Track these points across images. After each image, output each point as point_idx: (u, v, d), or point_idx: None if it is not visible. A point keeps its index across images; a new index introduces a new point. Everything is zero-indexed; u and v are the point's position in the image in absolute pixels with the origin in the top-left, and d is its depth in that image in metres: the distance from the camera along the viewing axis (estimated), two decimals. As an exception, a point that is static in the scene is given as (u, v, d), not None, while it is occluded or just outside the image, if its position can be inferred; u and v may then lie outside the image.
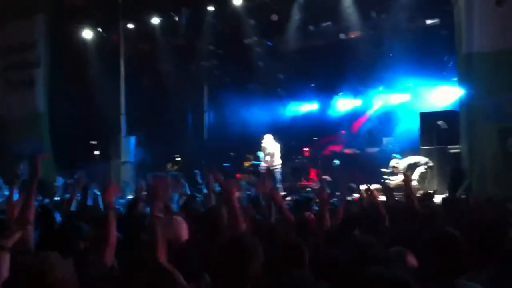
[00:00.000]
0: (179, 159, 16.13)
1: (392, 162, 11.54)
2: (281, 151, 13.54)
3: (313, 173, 14.98)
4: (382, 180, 11.01)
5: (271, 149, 13.39)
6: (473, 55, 10.74)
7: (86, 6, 15.70)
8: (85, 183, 6.74)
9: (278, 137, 13.86)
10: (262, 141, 13.63)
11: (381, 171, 11.68)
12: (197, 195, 8.83)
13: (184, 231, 4.01)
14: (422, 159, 11.25)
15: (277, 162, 13.36)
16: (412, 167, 11.15)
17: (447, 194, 9.45)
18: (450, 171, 10.63)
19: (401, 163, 11.43)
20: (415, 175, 11.00)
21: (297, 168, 15.26)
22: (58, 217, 6.14)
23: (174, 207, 6.77)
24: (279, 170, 13.33)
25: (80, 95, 15.25)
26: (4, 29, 16.63)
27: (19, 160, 13.13)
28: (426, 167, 11.02)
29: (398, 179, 10.60)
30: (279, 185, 12.81)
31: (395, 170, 11.26)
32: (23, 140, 16.01)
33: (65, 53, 15.43)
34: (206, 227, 4.04)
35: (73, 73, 15.37)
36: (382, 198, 7.35)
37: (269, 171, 12.50)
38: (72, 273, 2.64)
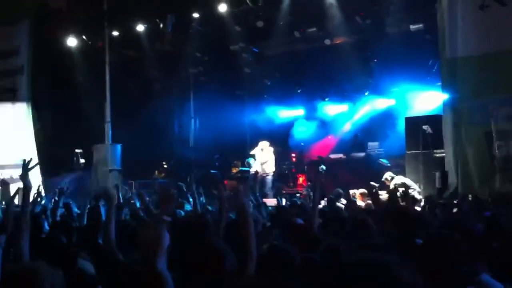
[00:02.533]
0: (166, 166, 16.06)
1: (386, 175, 11.41)
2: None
3: (301, 179, 15.01)
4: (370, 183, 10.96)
5: (266, 156, 13.40)
6: (457, 60, 10.87)
7: (70, 13, 15.59)
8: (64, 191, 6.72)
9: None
10: (256, 147, 13.61)
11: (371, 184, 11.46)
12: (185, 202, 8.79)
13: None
14: (413, 185, 10.99)
15: (270, 169, 13.38)
16: (401, 186, 11.00)
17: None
18: (436, 175, 10.68)
19: (394, 180, 11.21)
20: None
21: (285, 174, 15.29)
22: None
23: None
24: (271, 177, 13.34)
25: (65, 102, 15.11)
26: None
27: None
28: (413, 191, 10.82)
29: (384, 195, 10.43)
30: (269, 192, 12.82)
31: (386, 183, 11.15)
32: (7, 148, 15.84)
33: (49, 60, 15.30)
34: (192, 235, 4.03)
35: (58, 81, 15.24)
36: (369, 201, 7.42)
37: (251, 180, 12.48)
38: (62, 283, 2.60)
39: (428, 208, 7.29)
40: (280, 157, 15.59)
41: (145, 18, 15.44)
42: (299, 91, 16.56)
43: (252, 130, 16.54)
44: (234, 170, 15.44)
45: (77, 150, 15.53)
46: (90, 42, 16.22)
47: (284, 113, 17.06)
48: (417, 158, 11.50)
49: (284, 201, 9.27)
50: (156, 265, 2.82)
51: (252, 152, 13.60)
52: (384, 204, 6.89)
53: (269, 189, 13.02)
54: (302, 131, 16.52)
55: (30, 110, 15.69)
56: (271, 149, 13.55)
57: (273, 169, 13.44)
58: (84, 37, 16.13)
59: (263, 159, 13.34)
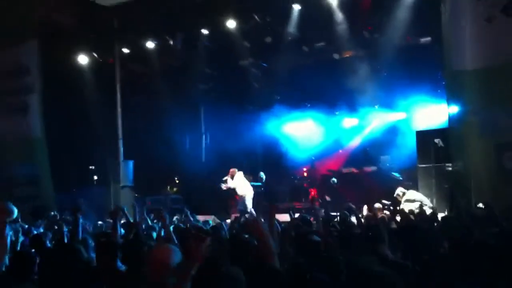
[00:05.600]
0: (178, 181, 16.14)
1: (398, 191, 11.33)
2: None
3: (313, 193, 15.01)
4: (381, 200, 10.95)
5: (235, 183, 13.74)
6: (464, 72, 10.84)
7: (80, 31, 15.78)
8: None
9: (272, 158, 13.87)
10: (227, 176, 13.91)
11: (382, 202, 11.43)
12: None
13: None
14: (425, 200, 10.94)
15: (245, 192, 13.61)
16: (412, 201, 10.96)
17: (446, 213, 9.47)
18: (448, 189, 10.63)
19: (406, 195, 11.19)
20: (412, 207, 10.83)
21: (296, 189, 15.30)
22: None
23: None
24: (247, 197, 13.56)
25: (77, 120, 15.25)
26: (-1, 55, 16.69)
27: None
28: (424, 206, 10.78)
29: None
30: (249, 210, 13.15)
31: (398, 198, 11.13)
32: (19, 165, 16.00)
33: (60, 78, 15.44)
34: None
35: (69, 98, 15.39)
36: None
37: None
38: None
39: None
40: (292, 172, 15.66)
41: (154, 34, 15.58)
42: (308, 105, 16.60)
43: (262, 144, 16.60)
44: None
45: (90, 167, 15.67)
46: (100, 60, 16.39)
47: (293, 127, 17.10)
48: (429, 172, 11.46)
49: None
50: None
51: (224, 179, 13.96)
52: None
53: (247, 207, 13.35)
54: (313, 145, 16.52)
55: (42, 128, 15.88)
56: (240, 174, 13.84)
57: (249, 190, 13.70)
58: (94, 54, 16.31)
59: (233, 185, 13.73)
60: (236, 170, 13.88)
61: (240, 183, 13.69)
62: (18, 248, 6.16)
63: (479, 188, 10.39)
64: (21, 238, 7.02)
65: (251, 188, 13.69)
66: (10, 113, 16.60)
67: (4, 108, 16.75)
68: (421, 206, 9.96)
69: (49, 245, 6.37)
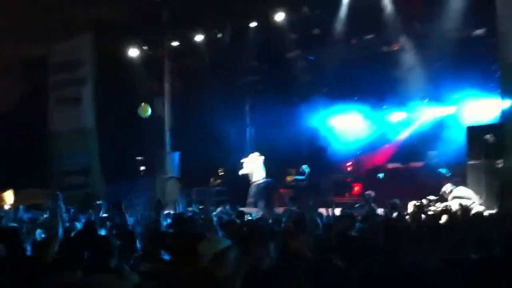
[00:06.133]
0: (222, 173, 16.27)
1: (445, 188, 11.00)
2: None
3: (356, 188, 14.81)
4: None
5: (251, 166, 14.33)
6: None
7: (131, 24, 16.13)
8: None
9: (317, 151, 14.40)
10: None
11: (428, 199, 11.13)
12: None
13: None
14: (473, 197, 10.53)
15: (256, 178, 14.29)
16: (460, 198, 10.61)
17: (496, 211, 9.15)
18: (498, 187, 10.24)
19: (454, 192, 10.86)
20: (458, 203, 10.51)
21: (340, 183, 15.12)
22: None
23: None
24: (257, 184, 14.20)
25: (126, 111, 15.60)
26: (54, 48, 17.30)
27: None
28: (472, 203, 10.42)
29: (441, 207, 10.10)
30: (251, 199, 13.60)
31: (445, 195, 10.82)
32: (72, 155, 16.55)
33: (112, 70, 15.83)
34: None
35: (120, 90, 15.76)
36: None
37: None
38: None
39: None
40: (335, 166, 15.53)
41: (203, 28, 15.74)
42: (356, 98, 16.36)
43: (307, 138, 16.49)
44: (289, 178, 15.44)
45: (137, 158, 16.02)
46: (150, 53, 16.69)
47: (340, 121, 16.89)
48: (479, 168, 11.04)
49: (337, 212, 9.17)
50: None
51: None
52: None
53: (252, 197, 13.76)
54: (359, 139, 16.27)
55: (94, 119, 16.35)
56: (258, 158, 14.42)
57: (261, 176, 14.32)
58: (145, 47, 16.62)
59: (249, 168, 14.36)
60: (254, 153, 14.40)
61: (258, 165, 14.05)
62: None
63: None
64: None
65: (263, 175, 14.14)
66: (64, 104, 17.22)
67: (58, 99, 17.37)
68: (466, 204, 9.64)
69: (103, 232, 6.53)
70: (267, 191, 14.23)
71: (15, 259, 4.22)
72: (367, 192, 12.37)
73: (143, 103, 15.10)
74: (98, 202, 9.82)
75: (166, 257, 4.55)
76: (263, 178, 14.34)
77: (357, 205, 11.88)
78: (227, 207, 10.90)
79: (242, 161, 14.65)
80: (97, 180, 16.03)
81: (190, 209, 10.34)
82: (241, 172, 14.57)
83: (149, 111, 15.10)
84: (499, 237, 5.00)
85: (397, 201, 10.13)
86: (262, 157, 14.51)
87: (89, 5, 16.04)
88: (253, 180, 14.35)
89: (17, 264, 4.01)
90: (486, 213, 8.63)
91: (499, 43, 10.86)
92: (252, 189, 14.15)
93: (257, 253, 3.92)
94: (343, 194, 14.60)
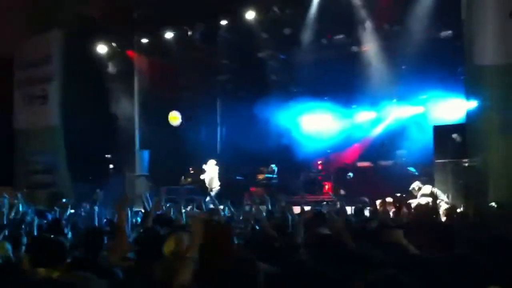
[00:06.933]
0: (193, 172, 16.18)
1: (414, 185, 11.21)
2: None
3: (327, 187, 14.94)
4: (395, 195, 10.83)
5: (210, 174, 14.52)
6: (485, 67, 10.63)
7: (101, 21, 15.89)
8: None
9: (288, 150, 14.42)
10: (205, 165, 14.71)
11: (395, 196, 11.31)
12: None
13: None
14: (441, 195, 10.71)
15: (215, 184, 14.48)
16: (429, 196, 10.81)
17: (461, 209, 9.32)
18: (464, 185, 10.48)
19: (422, 190, 11.07)
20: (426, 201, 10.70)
21: (311, 181, 15.23)
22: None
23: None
24: (214, 192, 14.25)
25: (94, 109, 15.38)
26: (20, 44, 16.93)
27: None
28: (441, 201, 10.61)
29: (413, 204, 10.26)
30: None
31: (414, 193, 11.01)
32: (39, 153, 16.23)
33: (79, 67, 15.58)
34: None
35: (87, 88, 15.52)
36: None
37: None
38: None
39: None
40: (306, 165, 15.60)
41: (173, 25, 15.61)
42: (325, 98, 16.50)
43: (278, 137, 16.55)
44: (260, 177, 15.46)
45: (106, 156, 15.80)
46: (119, 50, 16.48)
47: (310, 120, 17.00)
48: (446, 167, 11.29)
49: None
50: None
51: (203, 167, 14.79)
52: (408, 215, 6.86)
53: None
54: (329, 138, 16.41)
55: (61, 117, 16.06)
56: (215, 166, 14.66)
57: (217, 183, 14.56)
58: (114, 44, 16.40)
59: (208, 175, 14.58)
60: (211, 160, 14.51)
61: (215, 173, 14.35)
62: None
63: (497, 186, 10.23)
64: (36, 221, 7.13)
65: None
66: (30, 102, 16.86)
67: (24, 96, 17.02)
68: (434, 201, 9.82)
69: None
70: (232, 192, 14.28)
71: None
72: (340, 191, 12.46)
73: (172, 112, 15.04)
74: (64, 201, 9.64)
75: (131, 255, 4.50)
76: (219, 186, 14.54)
77: (324, 203, 11.97)
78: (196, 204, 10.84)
79: (203, 167, 14.79)
80: (64, 178, 15.75)
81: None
82: (202, 177, 14.70)
83: (179, 119, 15.04)
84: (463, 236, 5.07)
85: (365, 199, 10.25)
86: (217, 166, 14.78)
87: (57, 1, 15.78)
88: (212, 186, 14.50)
89: None
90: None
91: (465, 45, 11.10)
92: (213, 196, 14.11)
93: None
94: (314, 192, 14.70)
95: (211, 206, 12.98)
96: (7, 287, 3.08)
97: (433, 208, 8.67)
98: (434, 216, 7.33)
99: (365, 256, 3.83)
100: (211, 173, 14.60)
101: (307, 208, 8.75)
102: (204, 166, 14.74)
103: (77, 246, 4.81)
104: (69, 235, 6.09)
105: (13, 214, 7.64)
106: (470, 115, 10.90)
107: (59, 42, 16.25)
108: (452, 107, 13.88)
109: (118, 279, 3.78)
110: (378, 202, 9.61)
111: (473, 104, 10.82)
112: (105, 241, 5.20)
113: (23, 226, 6.98)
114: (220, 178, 14.69)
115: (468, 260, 3.14)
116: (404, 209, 7.61)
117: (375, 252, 4.04)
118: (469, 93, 11.08)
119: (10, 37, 16.70)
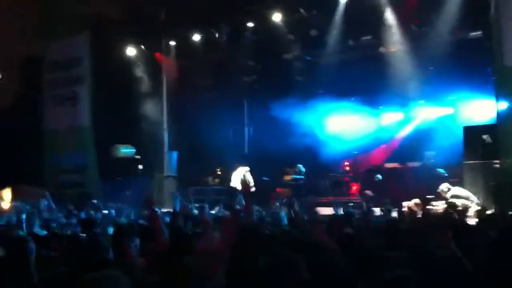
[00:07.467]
0: (220, 173, 16.28)
1: (442, 186, 11.08)
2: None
3: (354, 188, 14.87)
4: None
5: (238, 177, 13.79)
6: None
7: (129, 24, 16.14)
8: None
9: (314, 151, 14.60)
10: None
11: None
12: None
13: None
14: (471, 196, 10.65)
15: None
16: (458, 197, 10.67)
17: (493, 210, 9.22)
18: (494, 187, 10.34)
19: (451, 191, 10.95)
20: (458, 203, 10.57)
21: (338, 183, 15.19)
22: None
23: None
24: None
25: (123, 110, 15.61)
26: (50, 46, 17.28)
27: None
28: (471, 203, 10.47)
29: (440, 206, 10.15)
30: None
31: (442, 194, 10.90)
32: (68, 153, 16.53)
33: (109, 69, 15.83)
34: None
35: (117, 89, 15.76)
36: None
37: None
38: None
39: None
40: (334, 166, 15.58)
41: (200, 28, 15.75)
42: (353, 99, 16.43)
43: (305, 138, 16.52)
44: (287, 178, 15.47)
45: (135, 157, 16.02)
46: (148, 52, 16.70)
47: (337, 121, 16.94)
48: (476, 168, 11.15)
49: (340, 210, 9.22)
50: None
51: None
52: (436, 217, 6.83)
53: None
54: (357, 139, 16.32)
55: (91, 117, 16.34)
56: (244, 169, 13.81)
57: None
58: (142, 46, 16.62)
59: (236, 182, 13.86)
60: (239, 166, 13.89)
61: (236, 179, 13.81)
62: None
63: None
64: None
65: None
66: (60, 103, 17.21)
67: (55, 97, 17.36)
68: (465, 203, 9.73)
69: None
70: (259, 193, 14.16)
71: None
72: (365, 192, 12.42)
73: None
74: (94, 201, 9.82)
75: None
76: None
77: (351, 204, 11.93)
78: (222, 207, 10.96)
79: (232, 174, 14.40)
80: (93, 178, 16.02)
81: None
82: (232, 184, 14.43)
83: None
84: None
85: (388, 206, 10.11)
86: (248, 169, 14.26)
87: (86, 3, 16.07)
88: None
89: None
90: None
91: (494, 46, 10.98)
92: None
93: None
94: (341, 194, 14.64)
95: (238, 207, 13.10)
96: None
97: (463, 209, 8.61)
98: (456, 217, 7.25)
99: (383, 256, 3.87)
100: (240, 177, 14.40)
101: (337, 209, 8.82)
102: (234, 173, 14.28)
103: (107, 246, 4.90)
104: (109, 232, 6.19)
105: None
106: (501, 116, 10.79)
107: (89, 44, 16.55)
108: (482, 108, 13.70)
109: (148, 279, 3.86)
110: (405, 204, 9.62)
111: (503, 105, 10.69)
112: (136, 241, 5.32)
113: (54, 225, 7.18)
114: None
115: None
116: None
117: (394, 253, 4.07)
118: (500, 94, 10.98)
119: (41, 37, 17.11)
